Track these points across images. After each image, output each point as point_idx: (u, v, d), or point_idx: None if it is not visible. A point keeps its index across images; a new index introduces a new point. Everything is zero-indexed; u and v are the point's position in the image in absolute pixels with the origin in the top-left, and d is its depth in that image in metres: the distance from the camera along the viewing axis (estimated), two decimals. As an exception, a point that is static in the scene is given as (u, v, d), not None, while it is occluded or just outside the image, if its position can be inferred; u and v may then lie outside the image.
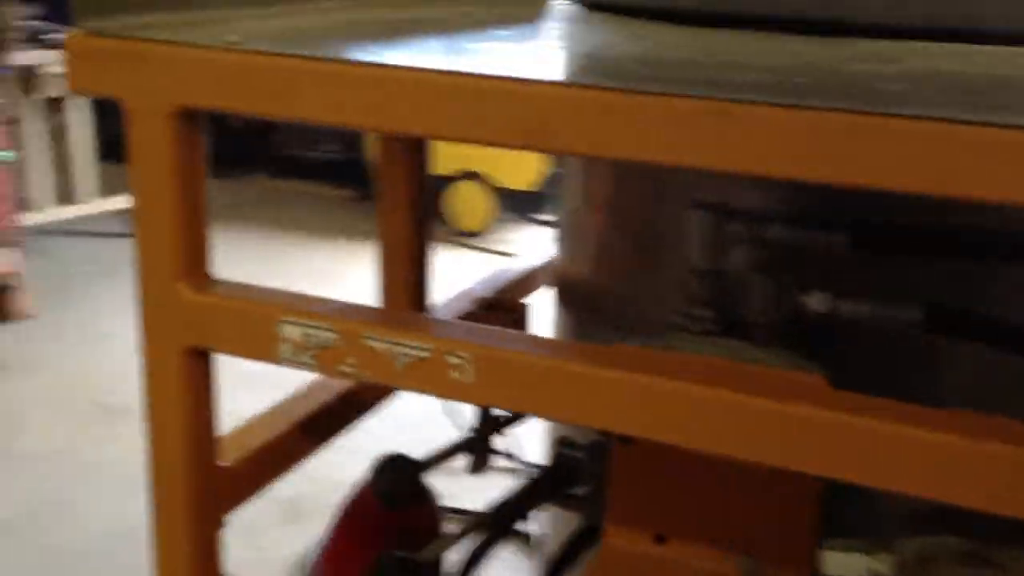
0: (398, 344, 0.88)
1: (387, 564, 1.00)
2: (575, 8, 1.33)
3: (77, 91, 0.94)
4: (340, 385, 1.22)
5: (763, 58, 0.99)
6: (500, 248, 4.60)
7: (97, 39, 0.92)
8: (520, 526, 1.15)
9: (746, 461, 0.99)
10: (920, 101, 0.78)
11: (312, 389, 1.21)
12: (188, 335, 0.95)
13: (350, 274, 4.15)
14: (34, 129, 3.93)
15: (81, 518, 2.47)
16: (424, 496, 1.11)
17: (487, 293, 1.45)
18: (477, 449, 1.12)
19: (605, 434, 1.10)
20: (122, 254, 4.11)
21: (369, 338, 0.89)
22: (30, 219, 3.86)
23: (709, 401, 0.82)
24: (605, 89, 0.77)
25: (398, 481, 1.00)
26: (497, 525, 1.09)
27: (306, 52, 0.87)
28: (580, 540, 1.17)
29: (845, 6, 1.22)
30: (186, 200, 0.93)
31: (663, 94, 0.76)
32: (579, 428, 1.14)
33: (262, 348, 0.92)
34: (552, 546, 1.18)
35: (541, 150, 0.81)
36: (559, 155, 0.80)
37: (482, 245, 4.71)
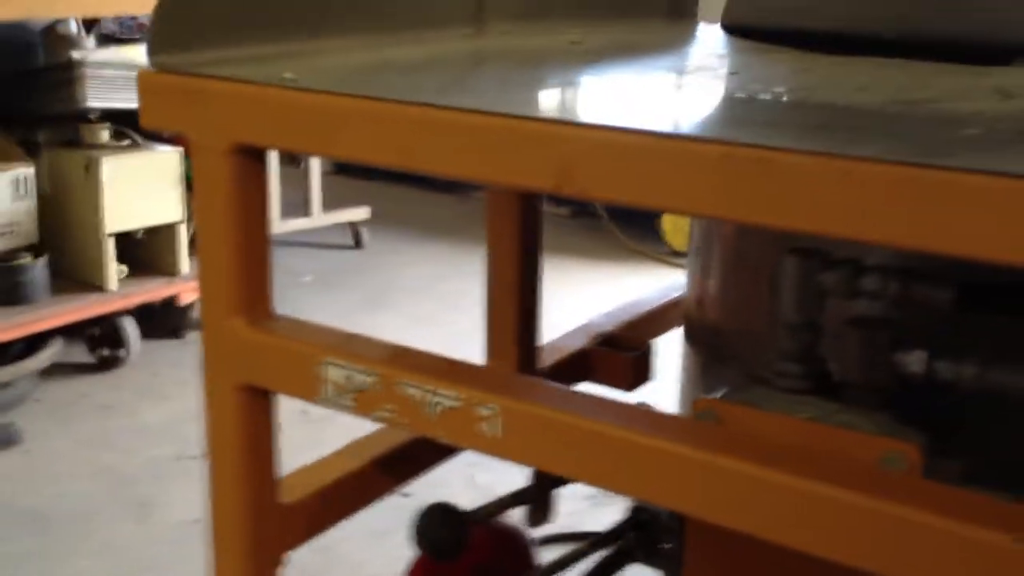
0: (432, 392, 0.84)
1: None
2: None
3: (148, 126, 0.96)
4: (396, 437, 1.19)
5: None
6: (711, 269, 4.46)
7: (164, 75, 0.93)
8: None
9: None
10: None
11: (388, 430, 1.19)
12: (242, 372, 0.95)
13: (559, 291, 4.15)
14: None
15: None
16: (491, 546, 1.07)
17: (608, 328, 1.39)
18: (537, 501, 1.06)
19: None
20: (345, 264, 4.30)
21: (405, 384, 0.85)
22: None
23: (767, 482, 0.74)
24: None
25: (441, 531, 0.96)
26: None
27: (348, 90, 0.85)
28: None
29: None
30: (245, 235, 0.93)
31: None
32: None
33: (306, 387, 0.91)
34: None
35: (569, 195, 0.75)
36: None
37: (695, 265, 4.59)
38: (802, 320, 0.95)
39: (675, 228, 4.81)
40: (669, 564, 1.05)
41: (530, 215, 1.27)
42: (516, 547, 1.17)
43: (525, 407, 0.81)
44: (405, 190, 5.65)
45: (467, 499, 1.15)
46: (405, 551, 1.09)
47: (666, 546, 1.06)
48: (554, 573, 1.01)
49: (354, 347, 0.91)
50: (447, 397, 0.84)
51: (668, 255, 4.79)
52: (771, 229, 1.20)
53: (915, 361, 0.90)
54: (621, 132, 0.73)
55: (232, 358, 0.95)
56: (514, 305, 1.27)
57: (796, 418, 0.93)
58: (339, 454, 1.11)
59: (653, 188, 0.72)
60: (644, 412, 0.84)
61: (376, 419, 0.88)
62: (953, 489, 0.72)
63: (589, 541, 1.04)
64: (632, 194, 0.73)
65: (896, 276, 0.90)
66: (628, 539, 1.05)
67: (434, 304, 3.97)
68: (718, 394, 0.98)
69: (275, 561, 1.01)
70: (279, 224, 4.22)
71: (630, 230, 4.80)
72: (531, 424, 0.81)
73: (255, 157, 0.93)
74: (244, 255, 0.93)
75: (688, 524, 1.00)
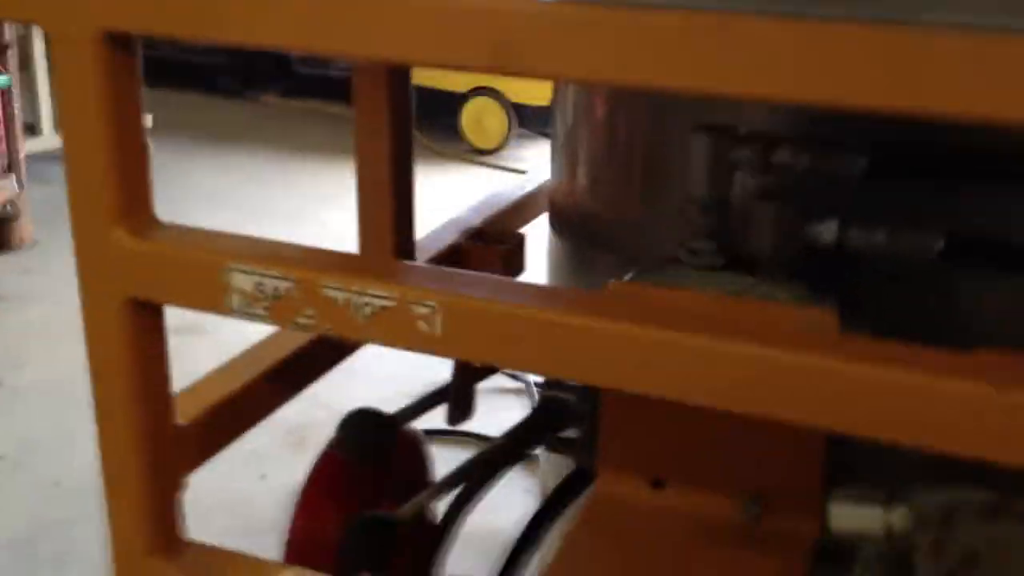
0: (360, 293, 0.79)
1: (360, 525, 0.92)
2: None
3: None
4: (290, 342, 1.13)
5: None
6: (516, 166, 4.47)
7: (11, -45, 0.81)
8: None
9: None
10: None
11: (279, 337, 1.13)
12: (129, 285, 0.86)
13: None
14: (39, 52, 3.81)
15: (81, 452, 2.42)
16: (405, 449, 1.03)
17: (477, 222, 1.36)
18: (456, 400, 1.03)
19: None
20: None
21: (328, 287, 0.79)
22: (32, 145, 3.76)
23: (703, 351, 0.73)
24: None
25: (366, 436, 0.92)
26: (483, 473, 1.01)
27: (241, -36, 0.76)
28: (570, 485, 1.10)
29: None
30: (121, 135, 0.84)
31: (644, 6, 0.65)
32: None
33: (209, 298, 0.83)
34: (544, 492, 1.10)
35: (510, 72, 0.70)
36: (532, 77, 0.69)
37: (498, 163, 4.59)
38: (714, 197, 0.94)
39: (476, 127, 4.79)
40: (578, 451, 1.05)
41: (401, 101, 1.21)
42: (413, 448, 1.13)
43: (465, 301, 0.77)
44: (190, 97, 5.35)
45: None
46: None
47: (573, 434, 1.05)
48: (471, 472, 0.98)
49: (262, 251, 0.83)
50: (378, 297, 0.78)
51: (470, 153, 4.76)
52: (654, 111, 1.19)
53: (827, 231, 0.91)
54: (566, 3, 0.68)
55: (116, 272, 0.85)
56: (388, 200, 1.21)
57: (713, 293, 0.93)
58: (229, 367, 1.04)
59: (605, 62, 0.68)
60: (581, 295, 0.81)
61: (295, 327, 0.82)
62: (870, 339, 0.72)
63: (504, 436, 1.01)
64: (580, 69, 0.69)
65: (806, 148, 0.91)
66: (536, 429, 1.03)
67: (232, 214, 3.81)
68: (629, 276, 0.97)
69: (176, 485, 0.94)
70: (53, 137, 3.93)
71: (430, 132, 4.74)
72: (472, 318, 0.77)
73: (126, 47, 0.83)
74: (122, 158, 0.84)
75: (604, 407, 1.00)
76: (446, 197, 3.09)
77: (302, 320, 0.81)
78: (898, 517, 0.76)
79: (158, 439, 0.91)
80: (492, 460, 1.01)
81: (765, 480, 0.97)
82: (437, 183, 4.24)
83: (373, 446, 0.90)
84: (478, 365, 1.06)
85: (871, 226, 0.89)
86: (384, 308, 0.78)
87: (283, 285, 0.81)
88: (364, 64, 1.19)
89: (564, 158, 1.36)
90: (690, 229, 0.96)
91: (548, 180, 1.49)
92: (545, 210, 1.56)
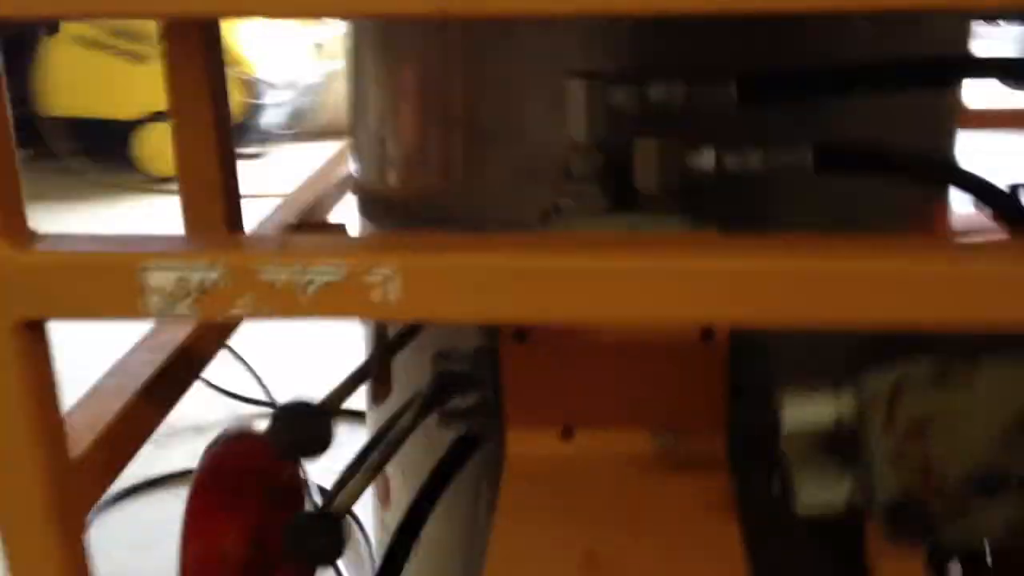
0: (304, 271, 0.74)
1: (305, 523, 0.87)
2: None
3: None
4: (170, 338, 1.05)
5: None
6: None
7: None
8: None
9: (649, 333, 0.95)
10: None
11: (138, 350, 1.03)
12: (19, 306, 0.75)
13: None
14: None
15: None
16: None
17: (294, 218, 1.30)
18: (378, 376, 0.99)
19: (490, 338, 1.01)
20: None
21: (266, 269, 0.74)
22: None
23: (630, 272, 0.74)
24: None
25: (300, 430, 0.87)
26: (387, 453, 0.98)
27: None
28: (457, 452, 1.08)
29: None
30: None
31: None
32: (459, 337, 1.04)
33: (122, 305, 0.75)
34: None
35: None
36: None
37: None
38: (593, 140, 0.96)
39: (153, 153, 4.57)
40: (476, 417, 1.04)
41: (216, 74, 1.13)
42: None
43: (423, 262, 0.74)
44: None
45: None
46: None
47: (467, 403, 1.03)
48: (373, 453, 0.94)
49: (177, 246, 0.76)
50: (325, 272, 0.74)
51: (148, 182, 4.53)
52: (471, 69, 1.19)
53: (705, 159, 0.95)
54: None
55: (3, 292, 0.75)
56: (215, 188, 1.13)
57: (604, 232, 0.95)
58: (100, 391, 0.94)
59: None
60: (526, 236, 0.80)
61: (229, 318, 0.76)
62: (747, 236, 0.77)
63: (403, 413, 0.98)
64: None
65: (679, 82, 0.94)
66: (433, 403, 1.01)
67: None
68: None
69: (80, 526, 0.84)
70: None
71: (100, 164, 4.47)
72: (428, 278, 0.74)
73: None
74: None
75: (506, 367, 0.99)
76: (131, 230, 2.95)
77: (237, 310, 0.75)
78: (846, 404, 0.81)
79: (57, 475, 0.81)
80: (397, 440, 0.98)
81: (670, 407, 1.00)
82: (119, 216, 4.02)
83: (309, 439, 0.85)
84: (395, 339, 1.02)
85: (745, 150, 0.94)
86: (330, 283, 0.74)
87: (210, 276, 0.74)
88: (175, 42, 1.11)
89: (368, 138, 1.33)
90: (572, 175, 0.97)
91: (341, 170, 1.45)
92: (337, 202, 1.53)
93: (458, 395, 1.03)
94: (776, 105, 0.96)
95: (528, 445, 1.02)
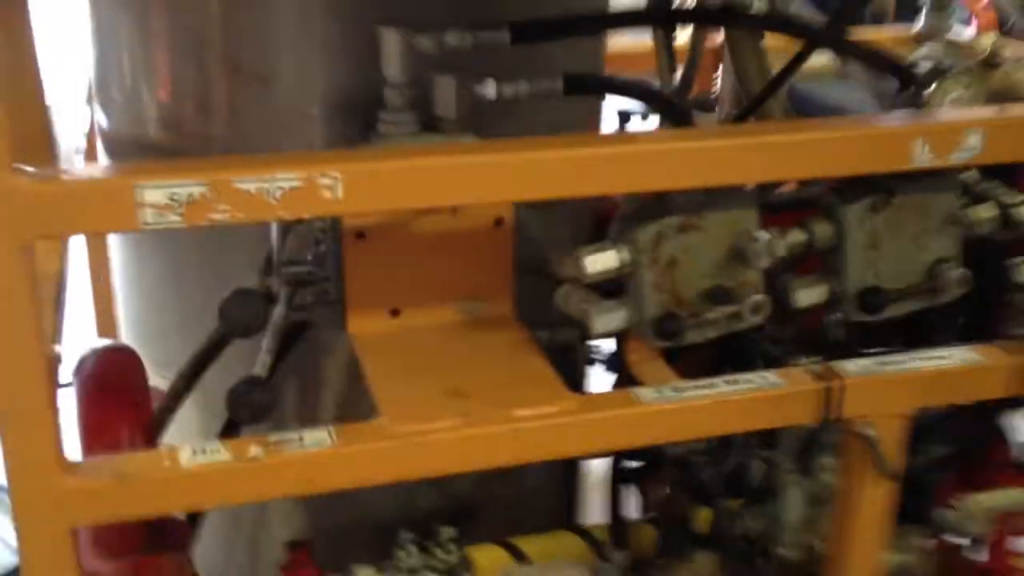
0: (269, 180, 0.96)
1: (245, 387, 1.08)
2: None
3: None
4: None
5: None
6: None
7: None
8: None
9: (455, 226, 1.25)
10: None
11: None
12: (39, 225, 0.91)
13: None
14: None
15: None
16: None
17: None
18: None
19: (335, 234, 1.25)
20: None
21: (240, 181, 0.95)
22: None
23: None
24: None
25: (247, 311, 1.06)
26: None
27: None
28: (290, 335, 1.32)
29: None
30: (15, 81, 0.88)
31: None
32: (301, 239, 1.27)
33: (121, 219, 0.93)
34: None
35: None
36: None
37: None
38: (406, 79, 1.23)
39: None
40: (314, 310, 1.28)
41: None
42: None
43: (361, 166, 0.99)
44: None
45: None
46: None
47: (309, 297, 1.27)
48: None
49: (165, 167, 0.95)
50: (286, 180, 0.97)
51: None
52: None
53: (488, 89, 1.26)
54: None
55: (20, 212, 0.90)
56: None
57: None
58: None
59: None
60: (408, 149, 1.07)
61: (209, 221, 0.96)
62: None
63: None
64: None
65: (458, 31, 1.24)
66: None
67: None
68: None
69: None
70: None
71: None
72: (368, 179, 1.00)
73: None
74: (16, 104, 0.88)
75: (347, 263, 1.24)
76: None
77: (217, 215, 0.96)
78: (626, 251, 1.18)
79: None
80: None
81: (471, 282, 1.31)
82: None
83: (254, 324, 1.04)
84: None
85: (517, 81, 1.26)
86: (293, 188, 0.97)
87: (197, 191, 0.94)
88: None
89: (119, 87, 1.48)
90: (390, 107, 1.24)
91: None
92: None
93: (302, 291, 1.27)
94: (541, 46, 1.29)
95: (363, 323, 1.28)
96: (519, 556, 1.57)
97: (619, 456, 1.54)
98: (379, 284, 1.28)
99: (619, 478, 1.55)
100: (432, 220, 1.27)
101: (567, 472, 1.73)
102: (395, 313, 1.30)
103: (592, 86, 1.35)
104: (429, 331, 1.30)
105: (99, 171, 0.95)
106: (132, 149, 1.51)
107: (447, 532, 1.47)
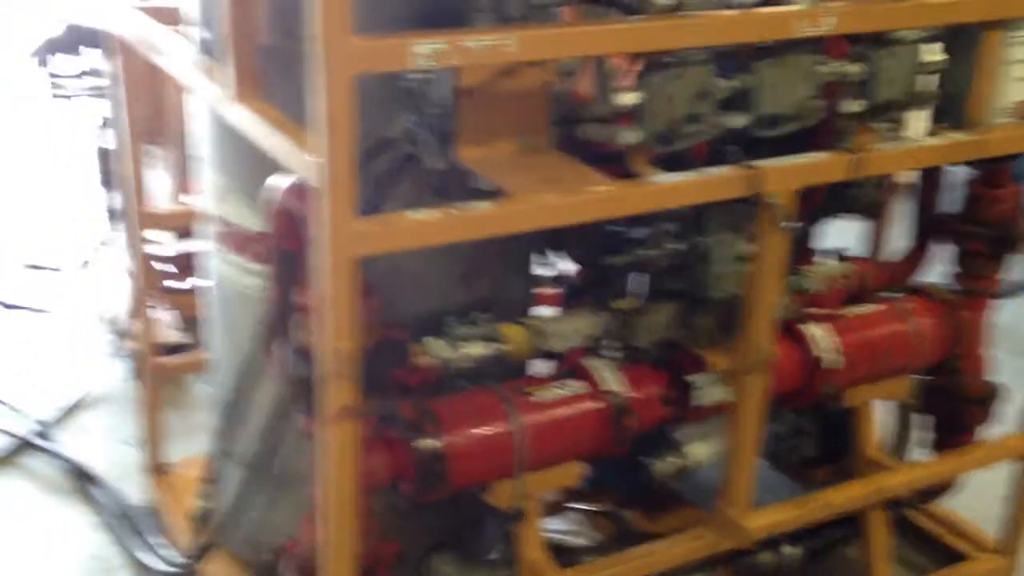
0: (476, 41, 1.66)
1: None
2: None
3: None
4: None
5: None
6: None
7: None
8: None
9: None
10: None
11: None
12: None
13: None
14: None
15: None
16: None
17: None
18: None
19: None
20: None
21: (465, 41, 1.65)
22: None
23: None
24: None
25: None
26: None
27: None
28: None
29: None
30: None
31: None
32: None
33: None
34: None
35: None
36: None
37: None
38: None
39: None
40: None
41: None
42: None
43: (525, 32, 1.71)
44: None
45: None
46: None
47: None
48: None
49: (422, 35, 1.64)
50: (487, 41, 1.67)
51: None
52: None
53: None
54: None
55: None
56: None
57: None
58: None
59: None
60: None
61: (446, 64, 1.64)
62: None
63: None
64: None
65: None
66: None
67: None
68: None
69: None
70: None
71: None
72: (538, 39, 1.72)
73: None
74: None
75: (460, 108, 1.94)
76: None
77: (451, 61, 1.65)
78: (640, 92, 1.94)
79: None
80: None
81: (529, 125, 2.04)
82: None
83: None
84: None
85: None
86: (488, 46, 1.68)
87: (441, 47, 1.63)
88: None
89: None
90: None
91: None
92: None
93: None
94: None
95: (469, 151, 1.99)
96: (535, 329, 2.30)
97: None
98: (478, 124, 1.99)
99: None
100: (507, 82, 1.98)
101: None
102: (484, 144, 2.01)
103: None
104: (507, 153, 2.02)
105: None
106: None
107: (480, 315, 2.21)
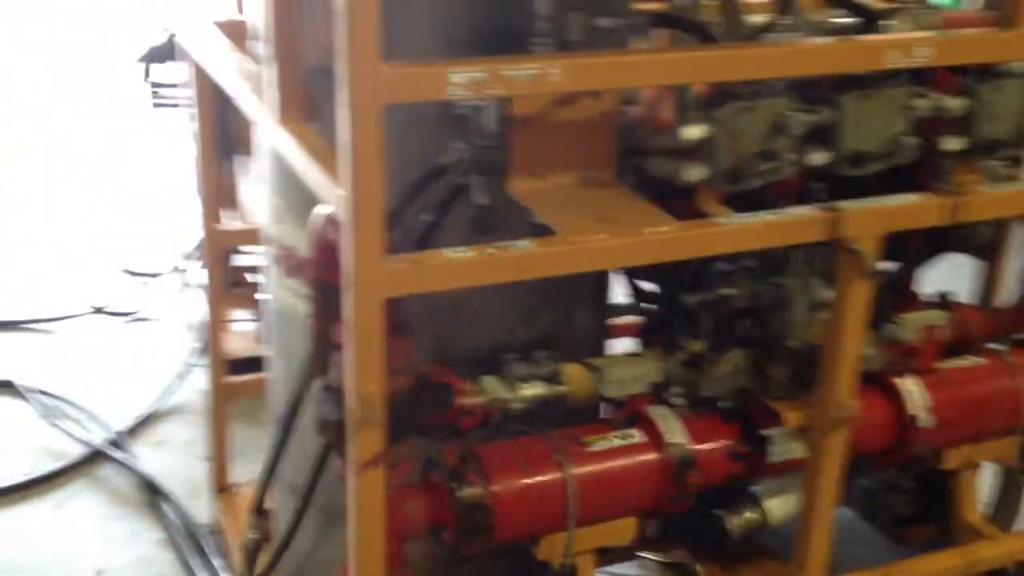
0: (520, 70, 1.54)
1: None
2: None
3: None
4: None
5: None
6: None
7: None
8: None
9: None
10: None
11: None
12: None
13: None
14: None
15: None
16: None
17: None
18: None
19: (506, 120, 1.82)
20: None
21: (506, 71, 1.52)
22: None
23: None
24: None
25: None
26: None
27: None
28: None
29: None
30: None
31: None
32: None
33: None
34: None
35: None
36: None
37: None
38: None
39: None
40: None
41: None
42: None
43: (571, 62, 1.58)
44: None
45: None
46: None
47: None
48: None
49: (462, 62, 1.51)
50: (530, 70, 1.54)
51: None
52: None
53: (603, 21, 1.84)
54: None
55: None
56: None
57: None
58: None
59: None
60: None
61: (484, 96, 1.52)
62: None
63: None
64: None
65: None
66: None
67: None
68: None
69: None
70: None
71: None
72: (583, 69, 1.58)
73: None
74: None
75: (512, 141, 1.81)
76: None
77: (490, 91, 1.53)
78: (706, 126, 1.79)
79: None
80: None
81: (590, 157, 1.90)
82: None
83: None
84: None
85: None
86: (531, 76, 1.54)
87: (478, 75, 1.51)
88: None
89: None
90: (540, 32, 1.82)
91: None
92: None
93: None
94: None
95: (521, 184, 1.86)
96: (595, 370, 2.16)
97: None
98: (533, 155, 1.86)
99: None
100: (564, 111, 1.85)
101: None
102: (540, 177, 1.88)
103: (667, 21, 1.95)
104: (565, 187, 1.89)
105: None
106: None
107: (541, 353, 2.07)
